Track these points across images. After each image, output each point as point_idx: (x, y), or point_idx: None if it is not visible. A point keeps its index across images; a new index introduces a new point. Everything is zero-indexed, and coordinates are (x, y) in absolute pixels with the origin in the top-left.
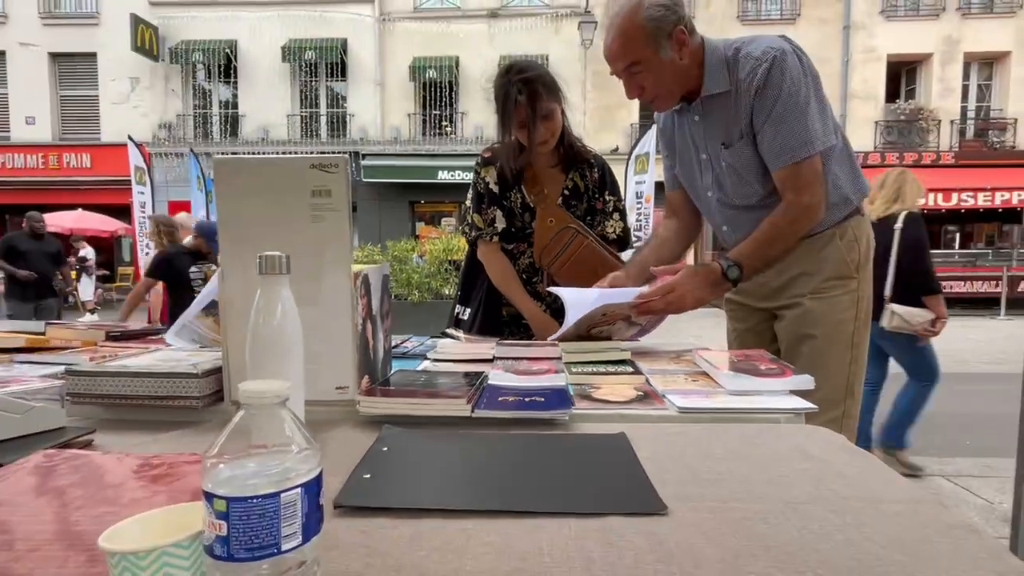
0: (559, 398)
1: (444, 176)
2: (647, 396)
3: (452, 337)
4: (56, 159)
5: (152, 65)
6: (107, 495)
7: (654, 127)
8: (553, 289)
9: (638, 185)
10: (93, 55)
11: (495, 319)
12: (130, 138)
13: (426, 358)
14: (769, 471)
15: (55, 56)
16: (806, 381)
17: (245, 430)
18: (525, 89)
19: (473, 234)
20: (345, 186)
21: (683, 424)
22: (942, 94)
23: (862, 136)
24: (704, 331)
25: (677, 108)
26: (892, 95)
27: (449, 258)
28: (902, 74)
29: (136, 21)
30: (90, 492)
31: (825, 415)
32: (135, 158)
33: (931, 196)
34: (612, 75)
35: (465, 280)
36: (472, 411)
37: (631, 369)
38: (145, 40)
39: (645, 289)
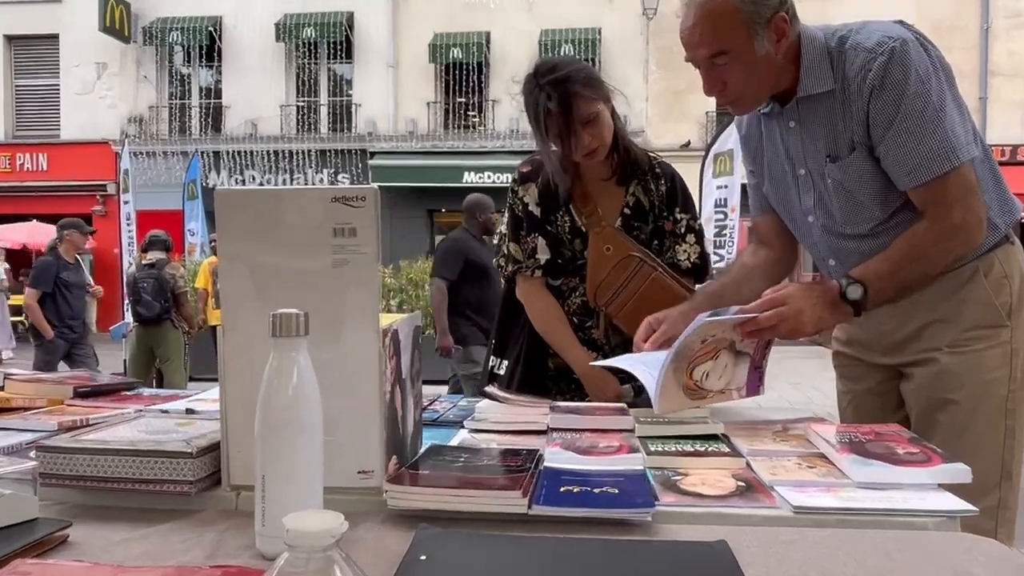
0: (637, 489)
1: (471, 179)
2: (751, 488)
3: (494, 398)
4: (8, 160)
5: (122, 48)
6: None
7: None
8: (610, 363)
9: (720, 191)
10: (55, 37)
11: (539, 373)
12: (126, 136)
13: (463, 426)
14: None
15: (11, 39)
16: (960, 472)
17: None
18: (555, 94)
19: (510, 268)
20: (373, 223)
21: (800, 529)
22: None
23: (1008, 124)
24: (804, 378)
25: (765, 111)
26: None
27: None
28: None
29: None
30: None
31: (974, 504)
32: (126, 160)
33: None
34: (687, 61)
35: (502, 325)
36: (530, 507)
37: (726, 448)
38: (115, 18)
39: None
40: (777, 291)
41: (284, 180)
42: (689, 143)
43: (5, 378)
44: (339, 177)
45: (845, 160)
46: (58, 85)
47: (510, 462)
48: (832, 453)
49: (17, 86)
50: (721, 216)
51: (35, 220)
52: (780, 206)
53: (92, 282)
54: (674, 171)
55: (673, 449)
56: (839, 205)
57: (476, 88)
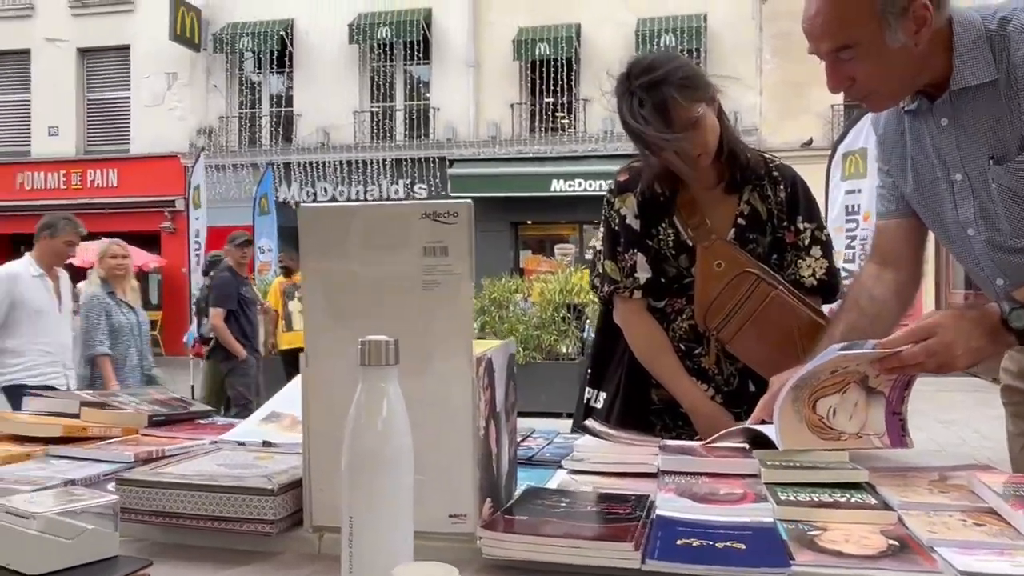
0: (767, 545)
1: (559, 187)
2: (905, 547)
3: (595, 434)
4: (79, 177)
5: (192, 57)
6: None
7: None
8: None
9: (849, 196)
10: (126, 48)
11: (641, 407)
12: (200, 150)
13: (560, 466)
14: None
15: (84, 52)
16: None
17: None
18: (649, 99)
19: (607, 288)
20: (467, 241)
21: None
22: None
23: None
24: (957, 415)
25: (911, 108)
26: None
27: (567, 301)
28: None
29: (176, 3)
30: None
31: None
32: (198, 175)
33: None
34: (810, 53)
35: (598, 352)
36: (643, 561)
37: (872, 499)
38: (186, 26)
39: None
40: (923, 320)
41: (357, 192)
42: (811, 141)
43: (81, 405)
44: (416, 188)
45: (1013, 162)
46: (129, 97)
47: (618, 509)
48: (1004, 508)
49: (89, 100)
50: (852, 225)
51: (104, 239)
52: (928, 215)
53: (262, 299)
54: (795, 174)
55: (807, 499)
56: (1007, 215)
57: (565, 87)
